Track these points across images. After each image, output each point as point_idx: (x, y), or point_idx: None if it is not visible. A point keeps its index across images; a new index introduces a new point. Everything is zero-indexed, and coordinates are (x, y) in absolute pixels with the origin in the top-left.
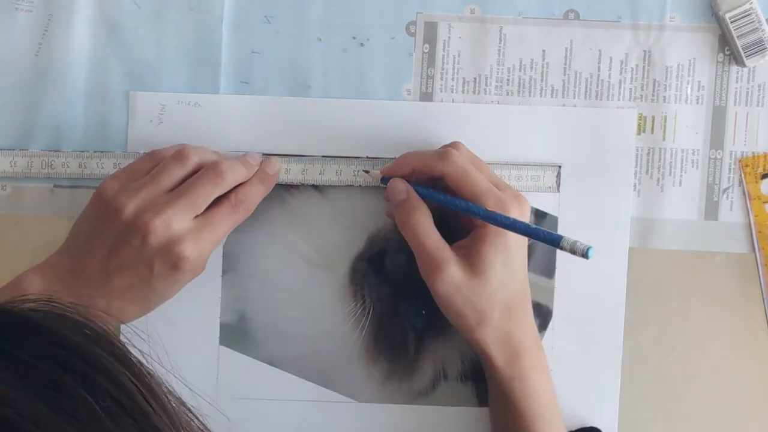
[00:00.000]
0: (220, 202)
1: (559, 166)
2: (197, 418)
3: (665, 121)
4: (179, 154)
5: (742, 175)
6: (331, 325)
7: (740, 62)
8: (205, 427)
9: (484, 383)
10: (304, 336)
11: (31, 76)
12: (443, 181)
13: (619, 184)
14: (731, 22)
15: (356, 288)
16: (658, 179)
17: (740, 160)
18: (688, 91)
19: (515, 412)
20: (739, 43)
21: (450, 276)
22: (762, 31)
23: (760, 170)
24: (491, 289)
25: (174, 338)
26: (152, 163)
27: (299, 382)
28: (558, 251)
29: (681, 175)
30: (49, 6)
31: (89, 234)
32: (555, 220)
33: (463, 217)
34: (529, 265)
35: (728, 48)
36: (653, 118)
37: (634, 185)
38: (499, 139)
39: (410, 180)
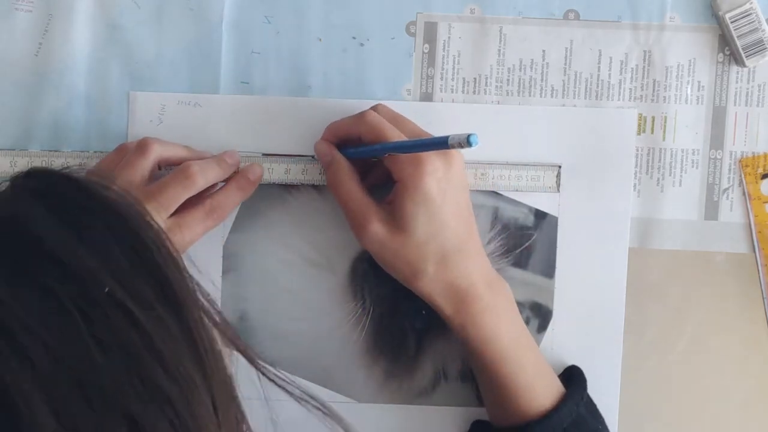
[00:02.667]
0: (194, 205)
1: (559, 166)
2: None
3: (665, 121)
4: (141, 147)
5: (742, 175)
6: (331, 325)
7: (740, 62)
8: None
9: None
10: (304, 336)
11: (31, 76)
12: (362, 141)
13: (619, 184)
14: (731, 22)
15: (356, 288)
16: (658, 179)
17: (740, 160)
18: (688, 91)
19: (476, 358)
20: (739, 43)
21: (374, 233)
22: (762, 31)
23: (760, 170)
24: (419, 242)
25: None
26: (120, 157)
27: (299, 382)
28: (558, 251)
29: (681, 175)
30: (49, 6)
31: None
32: (555, 220)
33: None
34: (528, 264)
35: (728, 48)
36: (653, 118)
37: (634, 185)
38: (499, 139)
39: (340, 145)
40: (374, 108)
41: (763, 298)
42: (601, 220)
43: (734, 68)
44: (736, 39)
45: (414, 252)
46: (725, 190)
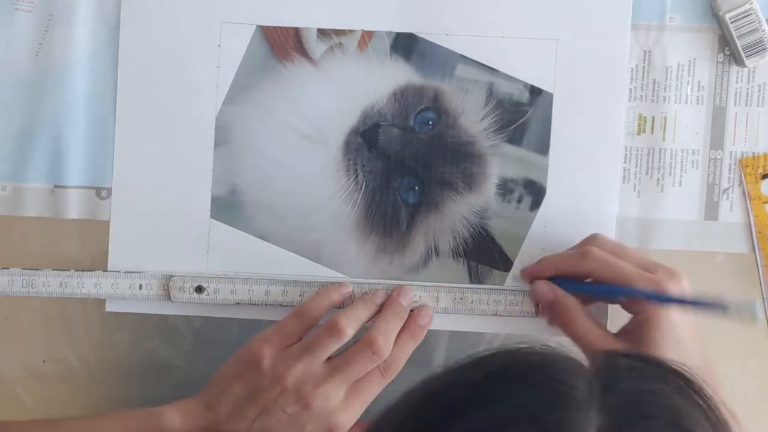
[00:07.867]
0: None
1: (557, 40)
2: None
3: (665, 122)
4: (333, 328)
5: (742, 176)
6: (323, 200)
7: (740, 62)
8: None
9: (475, 260)
10: (296, 210)
11: (31, 77)
12: (591, 278)
13: (615, 58)
14: (731, 23)
15: (349, 162)
16: (658, 179)
17: (740, 161)
18: (688, 92)
19: None
20: (739, 43)
21: None
22: (762, 31)
23: (760, 170)
24: None
25: (165, 210)
26: (302, 324)
27: (290, 257)
28: (552, 128)
29: (681, 175)
30: (49, 6)
31: (241, 397)
32: (550, 96)
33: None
34: (522, 141)
35: (728, 48)
36: (653, 118)
37: (634, 185)
38: (496, 10)
39: (555, 278)
40: (592, 239)
41: (763, 298)
42: (597, 93)
43: (734, 68)
44: (736, 39)
45: None
46: (725, 190)
